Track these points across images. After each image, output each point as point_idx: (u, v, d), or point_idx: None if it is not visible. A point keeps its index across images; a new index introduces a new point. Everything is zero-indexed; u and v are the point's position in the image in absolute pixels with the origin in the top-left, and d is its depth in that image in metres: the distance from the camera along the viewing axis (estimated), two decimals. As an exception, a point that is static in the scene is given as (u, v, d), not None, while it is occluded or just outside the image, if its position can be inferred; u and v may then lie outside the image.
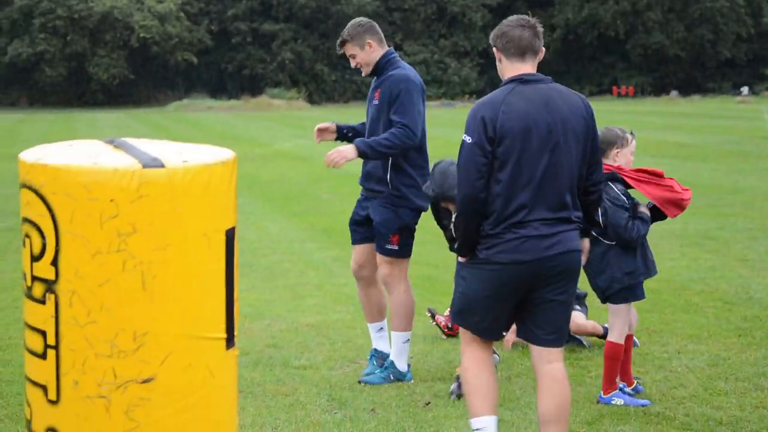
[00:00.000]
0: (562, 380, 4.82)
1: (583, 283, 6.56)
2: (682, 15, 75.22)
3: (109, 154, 3.25)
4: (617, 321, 6.21)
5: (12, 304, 8.99)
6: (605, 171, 6.18)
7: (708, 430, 5.71)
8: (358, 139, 6.50)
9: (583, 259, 5.00)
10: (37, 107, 67.75)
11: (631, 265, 6.14)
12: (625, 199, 6.14)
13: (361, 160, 6.67)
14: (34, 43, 69.76)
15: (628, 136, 6.29)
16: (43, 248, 3.17)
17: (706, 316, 8.38)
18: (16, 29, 70.83)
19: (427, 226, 7.51)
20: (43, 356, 3.21)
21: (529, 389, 6.46)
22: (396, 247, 6.66)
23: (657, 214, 6.26)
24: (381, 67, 6.66)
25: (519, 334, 5.05)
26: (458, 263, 4.97)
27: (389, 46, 6.81)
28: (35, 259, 3.20)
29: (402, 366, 6.68)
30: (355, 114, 44.05)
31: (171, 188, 3.16)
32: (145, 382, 3.17)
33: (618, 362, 6.21)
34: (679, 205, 6.17)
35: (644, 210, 6.18)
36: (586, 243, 5.10)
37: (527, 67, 4.87)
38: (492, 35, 4.97)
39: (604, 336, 7.39)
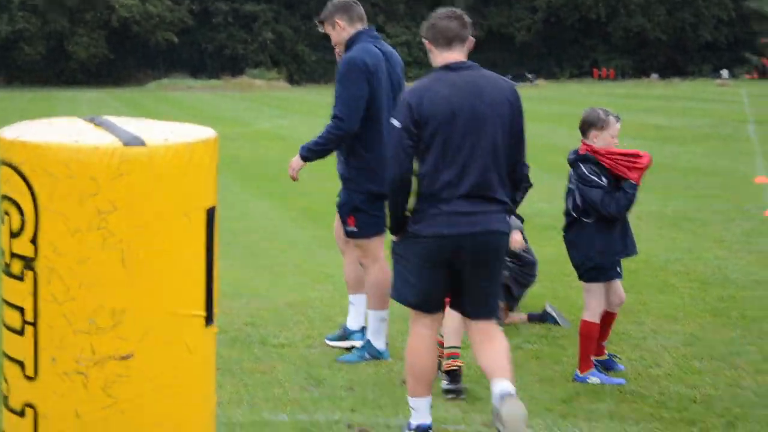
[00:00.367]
0: (492, 339, 5.12)
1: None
2: (663, -2, 75.38)
3: (90, 132, 3.27)
4: (591, 300, 6.26)
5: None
6: (581, 151, 6.24)
7: (682, 408, 5.78)
8: (302, 145, 6.65)
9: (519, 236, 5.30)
10: (15, 86, 67.17)
11: (604, 243, 6.17)
12: (595, 178, 6.15)
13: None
14: (13, 21, 69.12)
15: (611, 118, 6.24)
16: (23, 225, 3.19)
17: (682, 297, 8.46)
18: (-5, 7, 70.22)
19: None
20: (20, 332, 3.23)
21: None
22: (354, 229, 6.69)
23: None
24: (348, 48, 6.70)
25: (451, 306, 5.28)
26: (392, 242, 5.25)
27: (369, 26, 6.80)
28: (14, 235, 3.21)
29: (379, 345, 6.72)
30: (336, 94, 43.83)
31: (152, 167, 3.18)
32: (123, 358, 3.19)
33: (593, 341, 6.26)
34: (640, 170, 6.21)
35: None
36: (514, 220, 5.50)
37: (455, 55, 5.16)
38: (422, 28, 5.29)
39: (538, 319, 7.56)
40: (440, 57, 5.18)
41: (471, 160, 4.99)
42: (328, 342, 7.03)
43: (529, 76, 66.06)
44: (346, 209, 6.70)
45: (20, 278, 3.21)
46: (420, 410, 5.18)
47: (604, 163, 6.16)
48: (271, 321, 7.75)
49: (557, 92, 52.69)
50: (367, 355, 6.68)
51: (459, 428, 5.45)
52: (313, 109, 36.85)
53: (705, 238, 11.26)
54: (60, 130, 3.29)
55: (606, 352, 6.55)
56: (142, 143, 3.18)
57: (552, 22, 75.79)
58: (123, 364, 3.20)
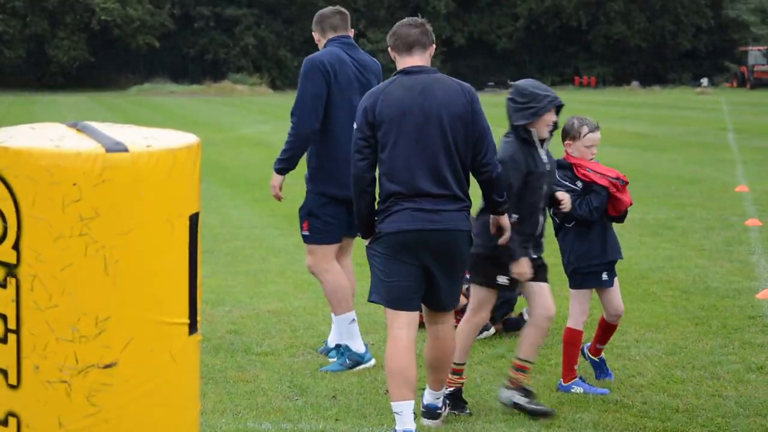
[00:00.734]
0: (443, 338, 5.50)
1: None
2: (643, 6, 75.64)
3: (72, 137, 3.23)
4: (573, 306, 6.26)
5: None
6: (565, 158, 6.26)
7: (665, 417, 5.79)
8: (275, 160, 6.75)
9: (503, 239, 5.53)
10: (-5, 89, 66.91)
11: (582, 248, 6.17)
12: (568, 183, 6.17)
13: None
14: (-8, 23, 68.84)
15: (584, 128, 6.18)
16: (5, 232, 3.15)
17: (664, 305, 8.48)
18: (-26, 10, 69.84)
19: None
20: (3, 340, 3.19)
21: (490, 377, 6.51)
22: (307, 233, 6.69)
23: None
24: None
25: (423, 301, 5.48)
26: (365, 246, 5.49)
27: (344, 34, 6.79)
28: (-4, 242, 3.17)
29: (357, 347, 6.65)
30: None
31: (134, 173, 3.15)
32: (106, 367, 3.16)
33: (576, 348, 6.26)
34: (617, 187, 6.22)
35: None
36: (503, 220, 5.55)
37: (414, 60, 5.41)
38: (387, 37, 5.58)
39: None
40: (401, 62, 5.43)
41: (423, 159, 5.23)
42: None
43: (511, 83, 65.99)
44: (302, 212, 6.75)
45: (3, 285, 3.17)
46: (403, 414, 5.22)
47: (577, 173, 6.20)
48: (254, 329, 7.72)
49: (538, 99, 52.71)
50: (348, 361, 6.62)
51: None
52: (294, 114, 36.75)
53: (686, 246, 11.30)
54: (42, 136, 3.26)
55: (602, 356, 6.55)
56: (124, 149, 3.15)
57: (533, 29, 76.07)
58: (107, 373, 3.16)
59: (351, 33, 6.90)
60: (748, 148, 23.54)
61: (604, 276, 6.24)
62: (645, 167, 18.46)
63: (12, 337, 3.17)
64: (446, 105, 5.28)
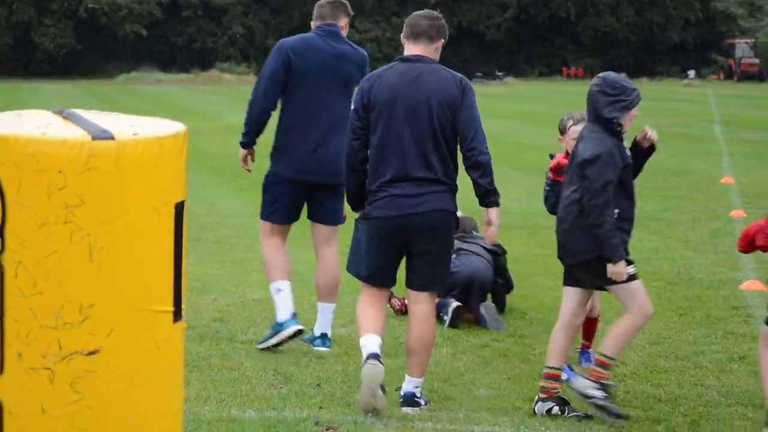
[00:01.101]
0: (424, 320, 5.63)
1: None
2: (632, -2, 75.80)
3: (59, 124, 3.24)
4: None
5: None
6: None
7: (647, 407, 5.83)
8: None
9: (493, 230, 5.55)
10: (-19, 76, 66.56)
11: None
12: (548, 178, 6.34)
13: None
14: (-22, 10, 68.44)
15: (569, 122, 6.27)
16: (-11, 218, 3.15)
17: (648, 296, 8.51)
18: (-40, -4, 69.42)
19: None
20: (-13, 327, 3.19)
21: (474, 366, 6.54)
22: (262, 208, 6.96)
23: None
24: None
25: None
26: (355, 218, 5.76)
27: (330, 23, 6.84)
28: (-19, 229, 3.17)
29: (280, 317, 6.74)
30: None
31: (120, 160, 3.15)
32: (90, 354, 3.17)
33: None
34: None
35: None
36: (492, 213, 5.55)
37: (416, 49, 5.59)
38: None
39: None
40: (406, 50, 5.64)
41: (411, 144, 5.44)
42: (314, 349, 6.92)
43: (499, 73, 66.20)
44: (263, 186, 6.96)
45: (-14, 272, 3.17)
46: (367, 346, 5.54)
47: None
48: (239, 317, 7.73)
49: (526, 90, 52.87)
50: (269, 332, 6.76)
51: (426, 426, 5.46)
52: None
53: (671, 238, 11.35)
54: (28, 123, 3.26)
55: (590, 349, 6.59)
56: (111, 137, 3.16)
57: (522, 19, 75.98)
58: (90, 360, 3.17)
59: (343, 22, 6.91)
60: (735, 140, 23.64)
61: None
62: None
63: (-4, 324, 3.17)
64: (436, 93, 5.47)
